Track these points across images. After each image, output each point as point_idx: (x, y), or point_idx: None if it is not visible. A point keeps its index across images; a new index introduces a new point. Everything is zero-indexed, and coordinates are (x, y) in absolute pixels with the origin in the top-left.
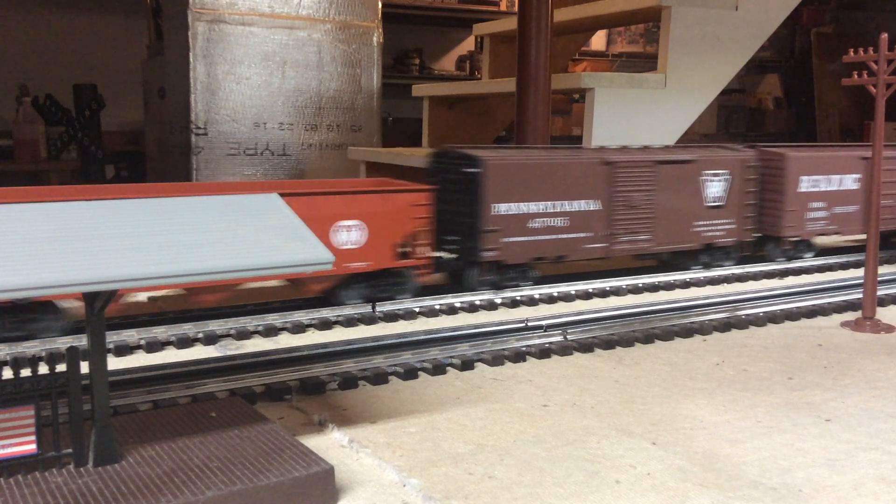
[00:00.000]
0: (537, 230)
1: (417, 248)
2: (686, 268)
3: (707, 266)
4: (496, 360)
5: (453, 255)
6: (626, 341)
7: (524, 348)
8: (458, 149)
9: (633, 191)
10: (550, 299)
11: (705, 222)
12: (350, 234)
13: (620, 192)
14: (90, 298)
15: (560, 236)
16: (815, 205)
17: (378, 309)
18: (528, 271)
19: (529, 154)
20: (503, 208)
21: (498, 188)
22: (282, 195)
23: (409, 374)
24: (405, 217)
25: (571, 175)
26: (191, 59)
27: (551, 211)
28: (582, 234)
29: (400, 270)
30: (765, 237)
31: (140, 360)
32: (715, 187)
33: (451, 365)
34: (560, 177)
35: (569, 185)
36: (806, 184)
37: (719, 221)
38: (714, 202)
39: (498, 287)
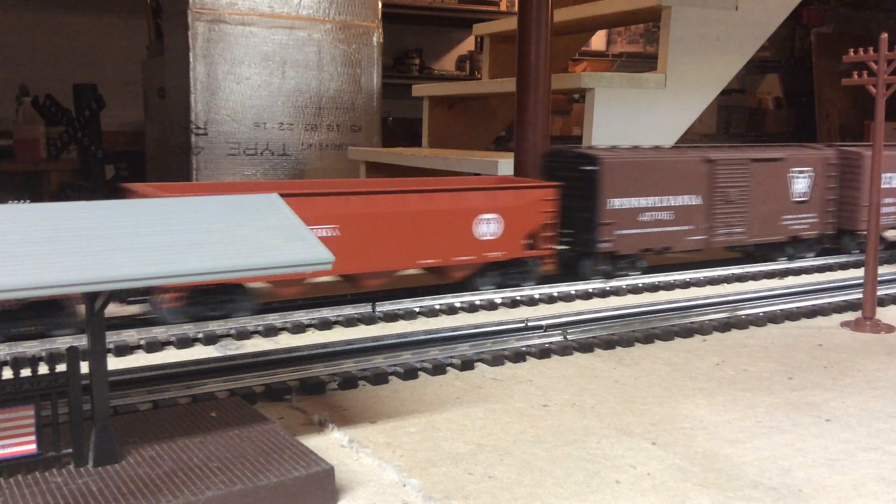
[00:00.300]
0: (646, 223)
1: (544, 239)
2: (772, 259)
3: (792, 258)
4: (496, 360)
5: (566, 247)
6: (626, 341)
7: (524, 348)
8: (576, 149)
9: (730, 186)
10: (550, 299)
11: (792, 216)
12: (489, 226)
13: (719, 187)
14: (90, 298)
15: (666, 229)
16: (888, 200)
17: (378, 309)
18: (636, 261)
19: (640, 153)
20: (617, 203)
21: (613, 184)
22: (435, 191)
23: (409, 374)
24: (535, 211)
25: (676, 172)
26: (191, 59)
27: (658, 205)
28: (685, 227)
29: (527, 260)
30: (841, 231)
31: (140, 360)
32: (801, 183)
33: (451, 365)
34: (666, 174)
35: (674, 181)
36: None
37: (804, 215)
38: (800, 197)
39: (609, 276)
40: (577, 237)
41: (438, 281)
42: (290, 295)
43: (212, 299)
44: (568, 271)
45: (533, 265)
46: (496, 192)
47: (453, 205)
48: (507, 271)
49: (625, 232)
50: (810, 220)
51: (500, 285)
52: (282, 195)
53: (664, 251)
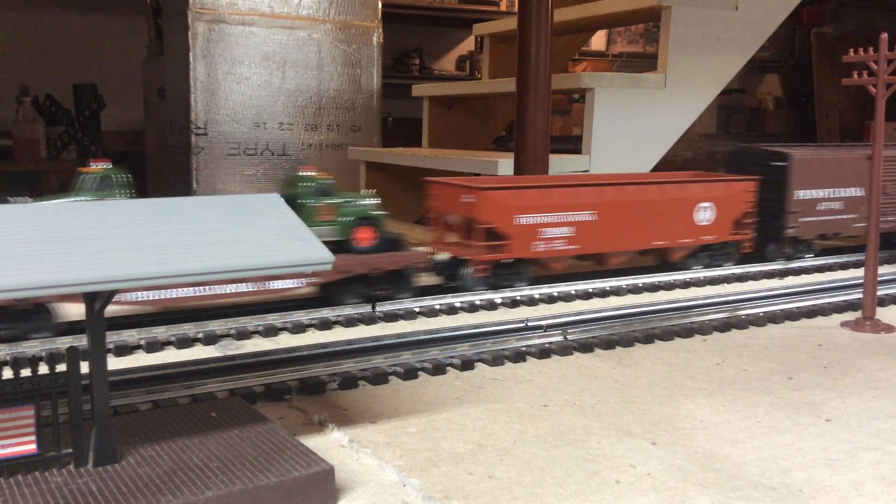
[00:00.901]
0: (822, 212)
1: (744, 225)
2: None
3: None
4: (496, 360)
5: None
6: (626, 341)
7: (524, 348)
8: (765, 146)
9: (888, 180)
10: (550, 299)
11: None
12: (705, 213)
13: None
14: (90, 298)
15: (836, 217)
16: None
17: (378, 309)
18: (811, 245)
19: (819, 151)
20: (801, 194)
21: (799, 178)
22: (667, 182)
23: (409, 374)
24: (740, 200)
25: (846, 167)
26: (191, 59)
27: (832, 196)
28: (851, 216)
29: (729, 243)
30: None
31: (140, 360)
32: None
33: (451, 365)
34: (838, 168)
35: (844, 175)
36: None
37: None
38: None
39: (790, 258)
40: (765, 223)
41: (658, 261)
42: (558, 270)
43: (505, 271)
44: (753, 254)
45: (733, 248)
46: (712, 183)
47: (680, 194)
48: (714, 253)
49: (806, 219)
50: None
51: (707, 266)
52: (550, 186)
53: (834, 236)
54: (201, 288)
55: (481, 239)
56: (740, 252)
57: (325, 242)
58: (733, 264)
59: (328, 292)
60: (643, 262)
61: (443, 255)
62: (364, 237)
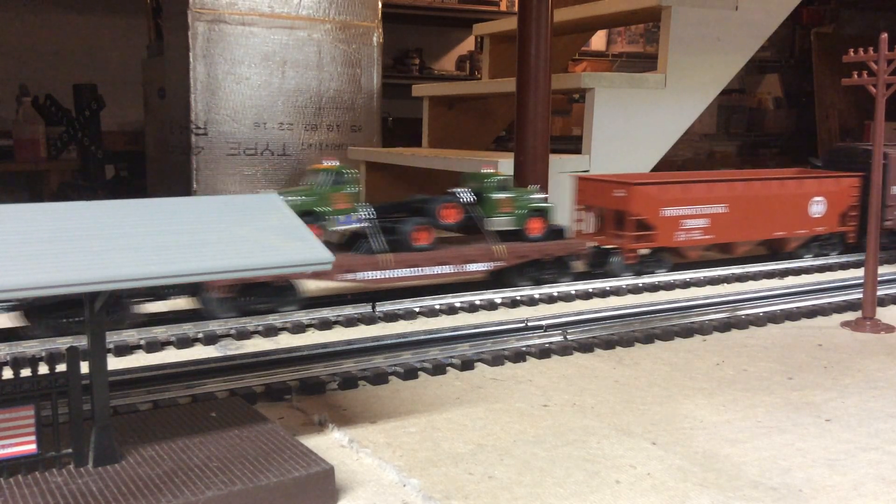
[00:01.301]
0: None
1: (850, 217)
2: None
3: None
4: (496, 360)
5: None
6: (626, 341)
7: (524, 348)
8: (863, 146)
9: None
10: (550, 299)
11: None
12: (818, 206)
13: None
14: (90, 298)
15: None
16: None
17: (378, 309)
18: None
19: None
20: (894, 190)
21: (894, 174)
22: (786, 178)
23: (409, 374)
24: (847, 195)
25: None
26: (191, 59)
27: None
28: None
29: (835, 234)
30: None
31: (140, 360)
32: None
33: (451, 365)
34: None
35: None
36: None
37: None
38: None
39: (885, 248)
40: (864, 216)
41: (771, 251)
42: (692, 258)
43: (649, 259)
44: (855, 245)
45: (839, 238)
46: (824, 179)
47: (798, 189)
48: (823, 243)
49: None
50: None
51: (817, 254)
52: (690, 181)
53: None
54: (411, 269)
55: (632, 229)
56: (845, 242)
57: (502, 231)
58: (838, 253)
59: (502, 275)
60: (760, 252)
61: (589, 245)
62: (535, 227)
